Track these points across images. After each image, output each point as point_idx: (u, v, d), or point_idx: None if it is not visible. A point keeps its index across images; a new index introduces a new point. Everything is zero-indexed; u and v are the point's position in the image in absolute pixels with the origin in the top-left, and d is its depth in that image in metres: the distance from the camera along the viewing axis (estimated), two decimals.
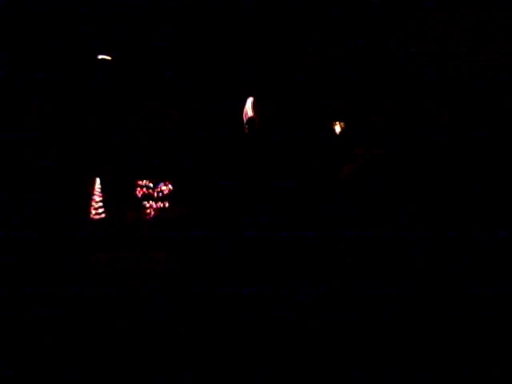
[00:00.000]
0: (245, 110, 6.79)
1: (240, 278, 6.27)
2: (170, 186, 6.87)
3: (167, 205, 6.86)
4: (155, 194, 6.87)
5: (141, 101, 6.72)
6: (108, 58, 6.29)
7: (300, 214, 6.40)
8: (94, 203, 6.75)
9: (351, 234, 6.05)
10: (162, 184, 6.86)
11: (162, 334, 5.45)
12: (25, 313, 5.67)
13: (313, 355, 4.40)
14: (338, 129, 6.74)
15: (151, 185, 6.86)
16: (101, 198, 6.76)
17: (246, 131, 6.73)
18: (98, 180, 6.75)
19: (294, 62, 6.70)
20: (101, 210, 6.77)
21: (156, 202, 6.84)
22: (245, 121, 6.79)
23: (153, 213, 6.86)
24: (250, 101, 6.78)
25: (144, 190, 6.86)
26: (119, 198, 6.84)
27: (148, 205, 6.85)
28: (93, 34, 5.94)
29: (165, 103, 6.76)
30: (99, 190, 6.76)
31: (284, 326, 4.94)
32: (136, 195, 6.86)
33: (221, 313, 5.60)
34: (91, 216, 6.74)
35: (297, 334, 4.78)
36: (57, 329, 5.58)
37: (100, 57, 6.28)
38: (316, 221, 6.37)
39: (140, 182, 6.87)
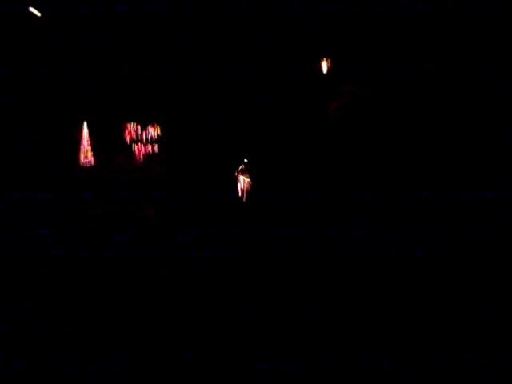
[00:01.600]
0: None
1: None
2: (158, 129, 6.88)
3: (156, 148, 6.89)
4: (144, 138, 6.88)
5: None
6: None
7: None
8: (82, 148, 6.79)
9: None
10: (150, 127, 6.87)
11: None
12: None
13: None
14: (324, 65, 6.67)
15: (139, 128, 6.87)
16: (89, 143, 6.80)
17: None
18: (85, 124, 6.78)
19: None
20: (89, 155, 6.82)
21: (145, 145, 6.86)
22: None
23: (142, 157, 6.89)
24: None
25: (132, 133, 6.87)
26: (107, 142, 6.85)
27: (137, 148, 6.87)
28: None
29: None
30: (87, 135, 6.79)
31: None
32: (124, 139, 6.87)
33: None
34: (80, 161, 6.79)
35: None
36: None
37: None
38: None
39: (128, 126, 6.87)
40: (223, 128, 6.67)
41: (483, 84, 6.05)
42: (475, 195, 5.71)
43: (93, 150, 6.75)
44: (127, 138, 6.79)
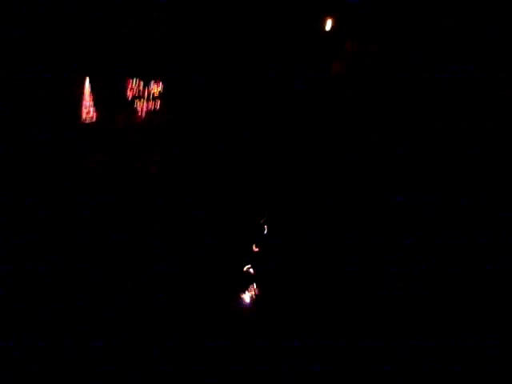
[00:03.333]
0: None
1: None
2: (161, 86, 6.82)
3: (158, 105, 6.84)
4: (146, 94, 6.82)
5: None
6: None
7: None
8: (84, 104, 6.70)
9: None
10: (153, 83, 6.81)
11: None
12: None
13: None
14: (329, 23, 6.65)
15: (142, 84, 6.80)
16: (91, 99, 6.71)
17: None
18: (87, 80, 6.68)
19: None
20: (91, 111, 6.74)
21: (147, 102, 6.81)
22: None
23: (144, 114, 6.85)
24: None
25: (134, 90, 6.80)
26: (109, 98, 6.78)
27: (139, 105, 6.82)
28: None
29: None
30: (89, 91, 6.70)
31: None
32: (126, 95, 6.80)
33: None
34: (82, 117, 6.70)
35: None
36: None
37: None
38: None
39: (130, 82, 6.79)
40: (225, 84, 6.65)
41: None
42: None
43: (95, 105, 6.67)
44: (129, 94, 6.73)
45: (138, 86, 6.73)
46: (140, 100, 6.74)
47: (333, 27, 6.59)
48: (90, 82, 6.63)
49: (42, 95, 6.47)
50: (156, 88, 6.78)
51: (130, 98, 6.74)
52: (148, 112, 6.77)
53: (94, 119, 6.63)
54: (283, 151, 6.54)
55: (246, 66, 6.61)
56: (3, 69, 6.37)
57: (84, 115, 6.60)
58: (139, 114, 6.76)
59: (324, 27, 6.59)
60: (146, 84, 6.76)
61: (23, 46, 6.39)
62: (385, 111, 6.30)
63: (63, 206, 6.26)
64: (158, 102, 6.77)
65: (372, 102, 6.35)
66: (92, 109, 6.62)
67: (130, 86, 6.72)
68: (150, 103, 6.76)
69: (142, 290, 5.62)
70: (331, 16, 6.55)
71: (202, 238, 5.92)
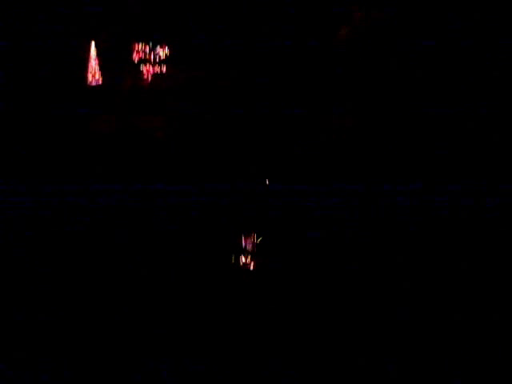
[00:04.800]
0: None
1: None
2: (166, 50, 6.81)
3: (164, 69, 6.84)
4: (152, 58, 6.82)
5: None
6: None
7: None
8: (90, 68, 6.72)
9: None
10: (158, 47, 6.80)
11: None
12: None
13: None
14: None
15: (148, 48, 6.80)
16: (97, 62, 6.73)
17: None
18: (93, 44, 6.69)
19: None
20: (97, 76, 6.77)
21: (153, 66, 6.81)
22: None
23: (150, 77, 6.85)
24: None
25: (140, 53, 6.80)
26: (116, 62, 6.79)
27: (145, 69, 6.82)
28: None
29: None
30: (95, 55, 6.71)
31: None
32: (133, 59, 6.81)
33: None
34: (88, 81, 6.74)
35: None
36: None
37: None
38: None
39: (136, 46, 6.79)
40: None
41: None
42: None
43: (101, 69, 6.70)
44: (136, 58, 6.74)
45: (144, 49, 6.73)
46: (146, 63, 6.75)
47: None
48: (96, 45, 6.64)
49: (48, 58, 6.52)
50: (162, 51, 6.77)
51: (136, 61, 6.74)
52: (154, 75, 6.78)
53: (100, 82, 6.67)
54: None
55: (252, 28, 6.58)
56: (10, 33, 6.44)
57: (90, 78, 6.64)
58: (145, 76, 6.77)
59: None
60: (152, 47, 6.75)
61: (29, 10, 6.44)
62: (392, 81, 6.21)
63: (69, 165, 6.36)
64: (164, 65, 6.77)
65: (378, 72, 6.27)
66: (98, 72, 6.65)
67: (136, 49, 6.73)
68: (156, 66, 6.76)
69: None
70: None
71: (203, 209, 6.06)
